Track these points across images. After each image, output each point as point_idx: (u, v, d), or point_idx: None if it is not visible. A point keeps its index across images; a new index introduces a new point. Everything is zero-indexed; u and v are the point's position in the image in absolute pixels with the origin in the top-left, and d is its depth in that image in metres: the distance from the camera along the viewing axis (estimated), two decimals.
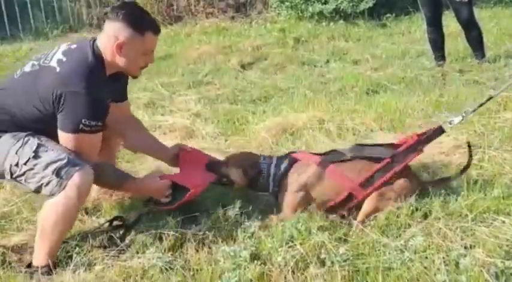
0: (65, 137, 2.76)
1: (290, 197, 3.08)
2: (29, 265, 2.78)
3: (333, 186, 3.05)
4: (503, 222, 2.80)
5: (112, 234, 3.02)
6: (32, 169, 2.72)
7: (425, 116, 4.59)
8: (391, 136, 4.22)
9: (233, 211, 3.07)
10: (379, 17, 9.89)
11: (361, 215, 2.98)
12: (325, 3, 10.06)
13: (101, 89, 2.76)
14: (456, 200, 3.01)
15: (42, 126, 2.79)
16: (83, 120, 2.70)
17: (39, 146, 2.75)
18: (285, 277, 2.51)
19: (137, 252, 2.82)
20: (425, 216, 2.91)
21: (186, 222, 3.07)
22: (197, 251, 2.81)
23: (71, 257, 2.84)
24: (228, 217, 3.07)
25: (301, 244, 2.71)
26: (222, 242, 2.85)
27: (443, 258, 2.51)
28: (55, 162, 2.70)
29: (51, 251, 2.76)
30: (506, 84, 3.80)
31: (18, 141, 2.76)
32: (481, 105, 3.25)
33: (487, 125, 4.22)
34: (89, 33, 11.00)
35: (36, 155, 2.72)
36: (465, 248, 2.61)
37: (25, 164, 2.72)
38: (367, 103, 5.12)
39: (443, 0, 6.47)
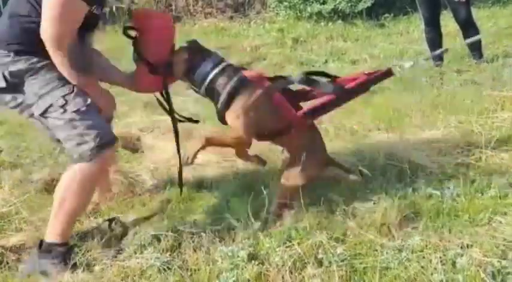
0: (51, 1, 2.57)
1: (244, 118, 2.93)
2: (41, 245, 2.78)
3: (276, 114, 2.99)
4: (500, 222, 2.81)
5: (111, 235, 3.03)
6: (75, 120, 2.68)
7: (423, 116, 4.59)
8: (389, 136, 4.23)
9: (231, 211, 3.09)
10: (378, 17, 9.89)
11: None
12: (324, 3, 10.07)
13: None
14: (453, 199, 3.02)
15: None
16: None
17: (91, 104, 2.73)
18: (283, 277, 2.51)
19: (135, 253, 2.82)
20: (422, 215, 2.92)
21: (184, 222, 3.07)
22: (195, 251, 2.81)
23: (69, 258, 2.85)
24: (226, 217, 3.08)
25: (298, 244, 2.71)
26: (220, 242, 2.85)
27: (440, 257, 2.52)
28: (101, 127, 2.71)
29: (68, 226, 2.79)
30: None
31: (65, 85, 2.70)
32: (435, 53, 3.27)
33: (484, 125, 4.22)
34: None
35: (88, 110, 2.70)
36: (462, 247, 2.62)
37: (75, 112, 2.67)
38: (365, 103, 5.11)
39: (441, 0, 6.48)
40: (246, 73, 3.03)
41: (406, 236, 2.76)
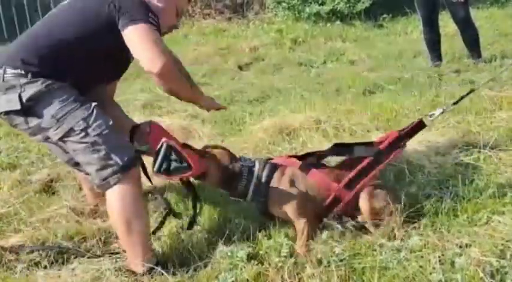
0: (135, 29, 2.58)
1: (294, 204, 2.80)
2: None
3: (318, 191, 2.88)
4: (499, 221, 2.80)
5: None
6: (97, 144, 2.56)
7: (421, 116, 4.58)
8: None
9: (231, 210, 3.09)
10: (376, 18, 9.91)
11: (365, 218, 2.87)
12: (322, 4, 10.08)
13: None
14: (452, 199, 3.02)
15: (88, 55, 2.68)
16: (150, 14, 2.63)
17: (113, 125, 2.63)
18: (282, 277, 2.52)
19: None
20: (421, 215, 2.92)
21: (182, 222, 3.07)
22: (194, 251, 2.82)
23: (68, 259, 2.86)
24: (226, 215, 3.08)
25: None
26: (219, 242, 2.86)
27: (439, 257, 2.52)
28: (123, 148, 2.62)
29: (147, 246, 2.71)
30: (488, 80, 3.82)
31: (83, 105, 2.59)
32: (461, 98, 3.22)
33: (482, 125, 4.23)
34: None
35: (110, 132, 2.59)
36: (461, 247, 2.62)
37: (97, 135, 2.56)
38: (364, 103, 5.13)
39: (440, 0, 6.49)
40: (275, 160, 2.97)
41: (405, 235, 2.76)
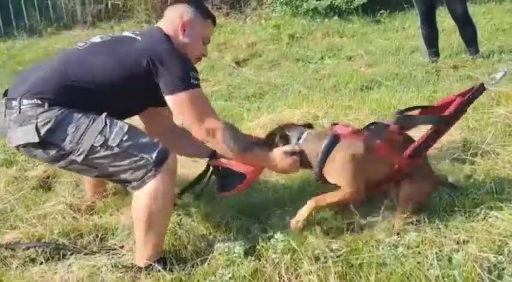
0: (179, 99, 2.62)
1: (348, 176, 2.80)
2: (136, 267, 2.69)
3: (381, 162, 2.84)
4: (496, 217, 2.80)
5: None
6: (122, 153, 2.55)
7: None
8: None
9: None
10: (374, 13, 9.89)
11: (399, 208, 2.88)
12: None
13: None
14: (449, 195, 3.02)
15: (116, 101, 2.70)
16: (191, 73, 2.63)
17: (130, 127, 2.62)
18: (279, 273, 2.51)
19: (131, 250, 2.82)
20: (419, 211, 2.92)
21: (180, 219, 3.06)
22: (191, 247, 2.81)
23: (64, 256, 2.85)
24: (223, 212, 3.08)
25: (295, 240, 2.72)
26: (216, 238, 2.85)
27: (436, 253, 2.52)
28: (148, 146, 2.58)
29: (162, 244, 2.73)
30: None
31: (94, 120, 2.57)
32: None
33: (480, 121, 4.23)
34: (82, 30, 10.98)
35: (129, 137, 2.57)
36: (458, 243, 2.62)
37: (118, 145, 2.54)
38: (361, 99, 5.12)
39: None
40: (338, 129, 2.92)
41: (403, 231, 2.76)
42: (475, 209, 2.89)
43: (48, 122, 2.53)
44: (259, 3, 11.38)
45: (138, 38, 2.73)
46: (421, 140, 2.84)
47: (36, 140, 2.53)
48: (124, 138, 2.56)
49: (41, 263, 2.80)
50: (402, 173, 2.86)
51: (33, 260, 2.83)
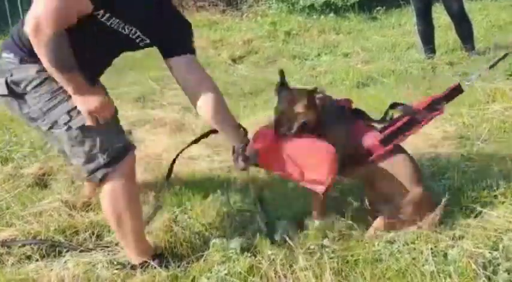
0: None
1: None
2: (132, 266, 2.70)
3: (355, 142, 2.82)
4: (492, 213, 2.81)
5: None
6: (80, 137, 2.49)
7: None
8: None
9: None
10: (370, 10, 9.89)
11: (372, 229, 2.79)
12: None
13: None
14: (445, 191, 3.02)
15: None
16: None
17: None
18: (275, 269, 2.52)
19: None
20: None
21: (175, 216, 3.07)
22: (186, 244, 2.82)
23: (60, 253, 2.85)
24: (218, 209, 3.09)
25: (290, 237, 2.73)
26: (212, 234, 2.85)
27: (432, 249, 2.52)
28: (108, 142, 2.52)
29: (142, 240, 2.71)
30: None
31: (69, 98, 2.46)
32: (498, 61, 3.15)
33: (475, 117, 4.24)
34: None
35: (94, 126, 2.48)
36: (453, 239, 2.63)
37: (79, 128, 2.48)
38: (358, 96, 5.12)
39: None
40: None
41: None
42: (471, 205, 2.90)
43: (19, 78, 2.49)
44: (255, 0, 11.36)
45: None
46: (392, 129, 2.83)
47: (5, 92, 2.52)
48: (87, 125, 2.49)
49: (37, 260, 2.80)
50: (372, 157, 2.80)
51: (28, 257, 2.83)
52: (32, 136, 4.39)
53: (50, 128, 2.53)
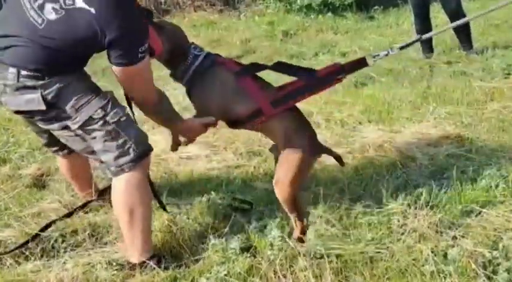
0: (128, 71, 2.58)
1: (209, 102, 2.85)
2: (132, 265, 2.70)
3: (245, 99, 2.82)
4: (491, 212, 2.81)
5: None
6: (115, 131, 2.58)
7: (413, 108, 4.60)
8: (380, 128, 4.24)
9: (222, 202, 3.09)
10: (367, 10, 9.88)
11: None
12: None
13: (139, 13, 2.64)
14: (444, 191, 3.02)
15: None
16: (140, 48, 2.54)
17: (129, 113, 2.70)
18: (274, 270, 2.51)
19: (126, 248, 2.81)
20: (414, 207, 2.92)
21: (174, 216, 3.06)
22: (185, 244, 2.81)
23: (58, 253, 2.85)
24: (217, 209, 3.08)
25: (290, 236, 2.72)
26: (211, 235, 2.84)
27: (432, 249, 2.52)
28: (139, 137, 2.64)
29: (149, 240, 2.73)
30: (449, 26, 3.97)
31: (99, 94, 2.60)
32: (408, 44, 3.20)
33: (474, 116, 4.24)
34: None
35: (127, 120, 2.63)
36: (453, 238, 2.63)
37: (115, 123, 2.58)
38: (355, 95, 5.12)
39: None
40: (221, 59, 2.96)
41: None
42: (470, 205, 2.90)
43: (53, 90, 2.53)
44: (253, 0, 11.35)
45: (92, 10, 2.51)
46: (286, 91, 2.87)
47: (43, 107, 2.55)
48: (122, 119, 2.61)
49: (35, 260, 2.79)
50: (263, 117, 2.81)
51: (27, 258, 2.83)
52: (30, 137, 4.38)
53: (83, 125, 2.58)
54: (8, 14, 2.64)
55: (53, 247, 2.89)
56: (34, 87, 2.53)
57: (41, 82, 2.53)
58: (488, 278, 2.36)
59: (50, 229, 3.01)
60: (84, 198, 3.35)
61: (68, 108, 2.56)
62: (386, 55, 3.04)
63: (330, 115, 4.59)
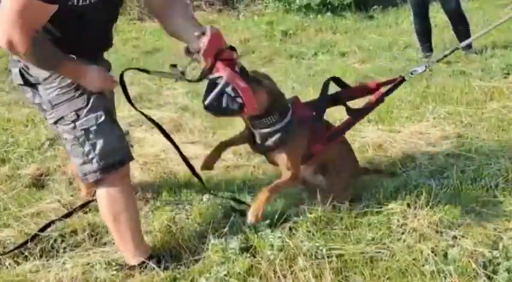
0: None
1: (294, 159, 2.73)
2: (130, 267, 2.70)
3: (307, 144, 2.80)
4: (491, 212, 2.81)
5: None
6: (82, 138, 2.53)
7: (413, 108, 4.59)
8: (379, 128, 4.23)
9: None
10: (367, 9, 9.88)
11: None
12: None
13: None
14: (444, 190, 3.02)
15: None
16: None
17: (104, 120, 2.54)
18: (274, 270, 2.51)
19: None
20: (414, 207, 2.91)
21: (174, 217, 3.06)
22: (185, 244, 2.81)
23: (58, 253, 2.84)
24: (217, 209, 3.09)
25: (290, 237, 2.72)
26: (211, 235, 2.84)
27: (432, 248, 2.52)
28: (109, 149, 2.55)
29: (139, 241, 2.72)
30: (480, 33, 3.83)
31: (80, 96, 2.51)
32: (446, 55, 3.22)
33: (473, 116, 4.24)
34: None
35: (98, 130, 2.52)
36: (453, 238, 2.62)
37: (84, 130, 2.52)
38: None
39: None
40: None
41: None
42: (470, 204, 2.89)
43: (35, 70, 2.51)
44: (252, 0, 11.35)
45: None
46: (340, 126, 2.98)
47: (21, 81, 2.58)
48: (91, 128, 2.53)
49: (34, 260, 2.79)
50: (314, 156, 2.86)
51: (26, 258, 2.82)
52: (29, 137, 4.38)
53: (56, 122, 2.57)
54: None
55: (52, 247, 2.89)
56: (20, 61, 2.53)
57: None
58: (489, 277, 2.36)
59: (49, 229, 3.01)
60: (86, 195, 3.36)
61: (46, 101, 2.56)
62: (425, 71, 3.06)
63: (330, 115, 4.57)
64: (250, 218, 2.54)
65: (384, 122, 4.37)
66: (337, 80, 3.05)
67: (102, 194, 2.64)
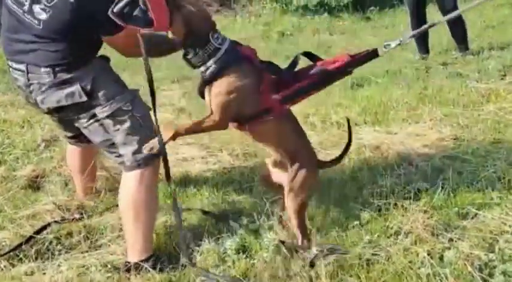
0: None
1: (222, 99, 2.57)
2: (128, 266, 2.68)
3: (258, 97, 2.66)
4: (487, 215, 2.81)
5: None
6: (139, 126, 2.71)
7: (409, 109, 4.59)
8: (376, 129, 4.23)
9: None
10: (364, 10, 9.90)
11: (292, 220, 2.72)
12: None
13: None
14: (441, 192, 3.02)
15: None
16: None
17: (149, 112, 2.73)
18: (269, 272, 2.50)
19: (123, 254, 2.80)
20: (410, 209, 2.91)
21: (170, 218, 3.05)
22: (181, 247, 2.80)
23: (53, 255, 2.84)
24: (213, 211, 3.08)
25: (285, 239, 2.71)
26: (207, 237, 2.83)
27: (428, 251, 2.52)
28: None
29: (151, 239, 2.76)
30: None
31: (127, 89, 2.81)
32: (420, 31, 3.19)
33: (470, 118, 4.24)
34: None
35: (149, 117, 2.72)
36: (449, 241, 2.62)
37: (140, 117, 2.73)
38: (352, 96, 5.12)
39: None
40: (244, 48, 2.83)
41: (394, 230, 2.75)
42: (466, 207, 2.89)
43: (89, 81, 2.65)
44: (249, 1, 11.35)
45: None
46: (295, 88, 2.77)
47: (84, 99, 2.65)
48: (146, 114, 2.74)
49: (30, 262, 2.78)
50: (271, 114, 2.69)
51: (21, 260, 2.81)
52: (25, 138, 4.37)
53: (111, 115, 2.67)
54: (11, 19, 2.69)
55: (47, 249, 2.88)
56: (71, 81, 2.62)
57: (75, 74, 2.63)
58: (485, 280, 2.35)
59: (44, 231, 3.00)
60: (82, 192, 3.39)
61: (100, 95, 2.67)
62: (399, 44, 2.97)
63: (326, 116, 4.58)
64: (146, 149, 2.54)
65: (381, 124, 4.37)
66: (309, 55, 2.99)
67: (132, 182, 2.68)
